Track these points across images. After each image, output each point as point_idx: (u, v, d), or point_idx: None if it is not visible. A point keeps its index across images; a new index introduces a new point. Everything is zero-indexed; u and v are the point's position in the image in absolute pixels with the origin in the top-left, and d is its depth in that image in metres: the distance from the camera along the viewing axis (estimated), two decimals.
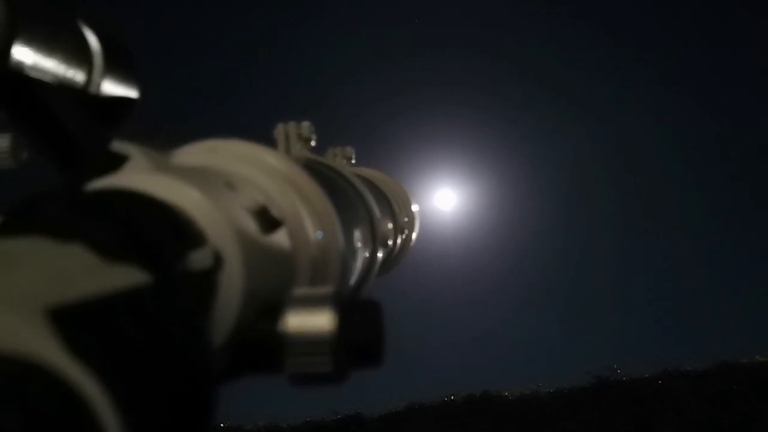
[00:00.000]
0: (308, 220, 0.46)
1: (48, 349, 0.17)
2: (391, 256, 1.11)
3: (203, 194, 0.34)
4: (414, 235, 1.33)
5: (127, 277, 0.23)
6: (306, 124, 0.75)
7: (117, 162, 0.41)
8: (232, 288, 0.34)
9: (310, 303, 0.37)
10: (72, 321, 0.19)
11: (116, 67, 0.52)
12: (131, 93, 0.54)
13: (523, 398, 6.31)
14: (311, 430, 6.58)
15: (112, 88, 0.51)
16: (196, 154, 0.46)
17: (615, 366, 6.29)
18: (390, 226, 0.76)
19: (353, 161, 1.17)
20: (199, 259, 0.30)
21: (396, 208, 1.11)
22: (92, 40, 0.49)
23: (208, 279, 0.32)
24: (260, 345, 0.37)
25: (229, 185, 0.39)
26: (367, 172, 1.20)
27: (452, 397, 6.76)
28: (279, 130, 0.75)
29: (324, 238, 0.48)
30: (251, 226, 0.37)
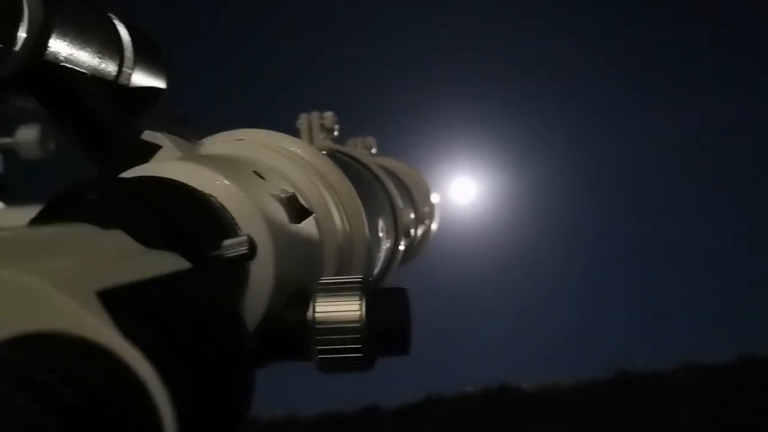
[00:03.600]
0: (335, 209, 0.47)
1: (103, 331, 0.18)
2: (413, 246, 1.12)
3: (234, 183, 0.35)
4: (434, 225, 1.34)
5: (166, 263, 0.24)
6: (329, 115, 0.76)
7: (149, 151, 0.41)
8: (263, 276, 0.35)
9: (340, 290, 0.37)
10: (122, 304, 0.19)
11: (145, 59, 0.53)
12: (159, 84, 0.55)
13: (541, 391, 6.29)
14: (328, 420, 6.60)
15: (141, 79, 0.52)
16: (223, 143, 0.47)
17: (634, 359, 6.26)
18: (412, 216, 0.76)
19: (374, 151, 1.18)
20: (233, 246, 0.31)
21: (417, 199, 1.11)
22: (123, 32, 0.50)
23: (241, 266, 0.33)
24: (290, 332, 0.38)
25: (258, 174, 0.40)
26: (388, 162, 1.20)
27: (470, 390, 6.75)
28: (302, 121, 0.76)
29: (350, 227, 0.48)
30: (281, 214, 0.38)
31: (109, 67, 0.48)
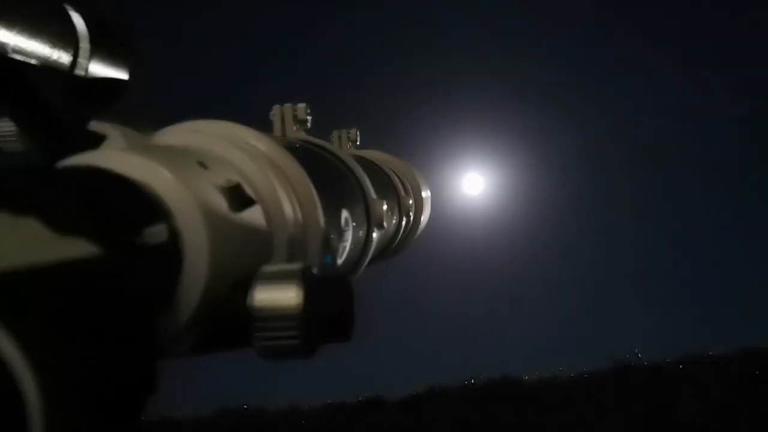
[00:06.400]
0: (286, 198, 0.47)
1: None
2: (398, 238, 1.12)
3: (170, 172, 0.35)
4: (423, 218, 1.33)
5: (75, 248, 0.24)
6: (301, 106, 0.76)
7: (96, 141, 0.42)
8: (198, 262, 0.35)
9: (279, 278, 0.38)
10: (6, 290, 0.20)
11: (105, 50, 0.53)
12: (121, 75, 0.55)
13: (543, 382, 6.30)
14: (332, 412, 6.62)
15: (100, 69, 0.53)
16: (178, 133, 0.47)
17: (636, 350, 6.27)
18: (385, 207, 0.76)
19: (358, 143, 1.18)
20: (154, 233, 0.31)
21: (401, 191, 1.11)
22: (79, 22, 0.50)
23: (168, 253, 0.33)
24: (231, 319, 0.38)
25: (201, 164, 0.40)
26: (372, 154, 1.20)
27: (472, 381, 6.76)
28: (275, 112, 0.76)
29: (304, 217, 0.49)
30: (220, 203, 0.38)
31: (63, 58, 0.49)
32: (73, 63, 0.50)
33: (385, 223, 0.77)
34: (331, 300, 0.39)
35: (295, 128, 0.76)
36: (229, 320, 0.38)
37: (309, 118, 0.76)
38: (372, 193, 0.76)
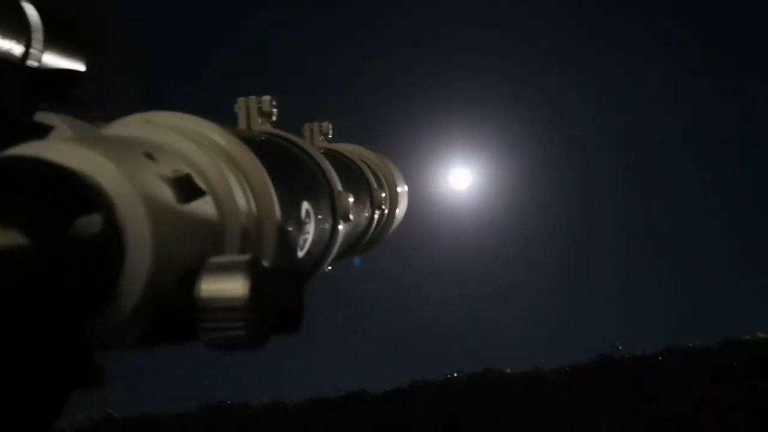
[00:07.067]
0: (239, 190, 0.46)
1: None
2: (370, 231, 1.11)
3: (112, 162, 0.35)
4: (399, 212, 1.33)
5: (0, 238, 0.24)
6: (266, 99, 0.76)
7: (44, 132, 0.41)
8: (140, 254, 0.35)
9: (226, 269, 0.37)
10: None
11: (59, 41, 0.52)
12: (77, 66, 0.55)
13: (525, 375, 6.34)
14: (315, 406, 6.62)
15: (55, 60, 0.52)
16: (129, 125, 0.47)
17: (617, 343, 6.32)
18: (351, 199, 0.76)
19: (330, 136, 1.18)
20: (90, 224, 0.31)
21: (373, 184, 1.10)
22: (32, 14, 0.50)
23: (106, 244, 0.33)
24: (178, 311, 0.38)
25: (149, 155, 0.40)
26: (345, 147, 1.19)
27: (455, 375, 6.79)
28: (240, 105, 0.76)
29: (259, 209, 0.48)
30: (166, 194, 0.38)
31: (15, 49, 0.48)
32: (26, 54, 0.49)
33: (351, 216, 0.77)
34: (280, 291, 0.39)
35: (260, 121, 0.75)
36: (177, 312, 0.38)
37: (275, 110, 0.75)
38: (338, 186, 0.75)
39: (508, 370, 6.48)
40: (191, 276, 0.38)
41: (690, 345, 6.19)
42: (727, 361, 5.62)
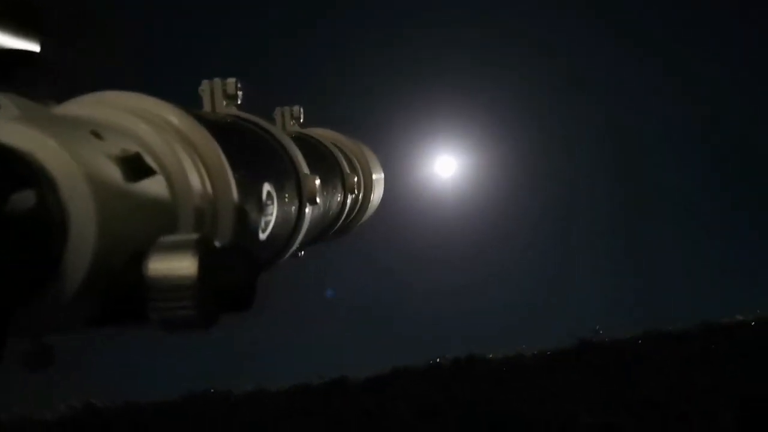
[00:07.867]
0: (193, 169, 0.46)
1: None
2: (343, 216, 1.11)
3: (55, 140, 0.35)
4: (374, 198, 1.32)
5: None
6: (231, 81, 0.75)
7: None
8: (84, 232, 0.35)
9: (174, 248, 0.37)
10: None
11: (10, 19, 0.51)
12: (31, 46, 0.54)
13: (507, 360, 6.38)
14: (298, 393, 6.63)
15: (6, 40, 0.51)
16: (80, 105, 0.46)
17: (597, 327, 6.38)
18: (318, 182, 0.75)
19: (302, 120, 1.17)
20: (20, 200, 0.31)
21: (345, 168, 1.10)
22: None
23: (47, 222, 0.33)
24: (130, 291, 0.37)
25: (96, 134, 0.39)
26: (317, 131, 1.19)
27: (438, 360, 6.82)
28: (204, 87, 0.75)
29: (214, 189, 0.48)
30: (113, 173, 0.38)
31: None
32: None
33: (318, 199, 0.77)
34: (232, 270, 0.39)
35: (225, 104, 0.74)
36: (126, 293, 0.37)
37: (240, 93, 0.75)
38: (304, 168, 0.75)
39: (491, 356, 6.52)
40: (140, 256, 0.37)
41: (670, 329, 6.25)
42: (705, 345, 5.69)
